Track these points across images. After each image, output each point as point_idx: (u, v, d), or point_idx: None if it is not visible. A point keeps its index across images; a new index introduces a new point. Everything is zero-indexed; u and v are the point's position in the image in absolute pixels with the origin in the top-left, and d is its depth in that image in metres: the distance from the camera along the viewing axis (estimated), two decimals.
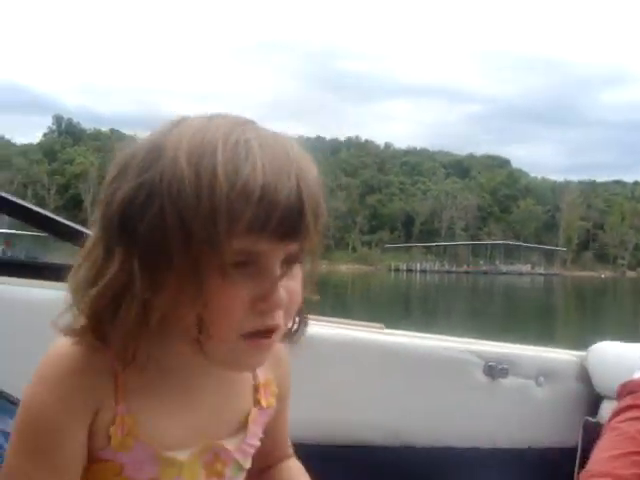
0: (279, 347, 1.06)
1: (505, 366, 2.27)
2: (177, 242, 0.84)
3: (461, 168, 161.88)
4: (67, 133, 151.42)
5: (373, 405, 2.16)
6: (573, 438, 2.30)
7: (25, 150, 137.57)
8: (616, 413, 1.83)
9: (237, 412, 1.05)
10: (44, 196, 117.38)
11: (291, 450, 1.24)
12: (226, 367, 0.97)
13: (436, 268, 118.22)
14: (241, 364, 0.96)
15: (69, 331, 0.92)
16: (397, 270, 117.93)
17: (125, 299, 0.86)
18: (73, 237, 1.83)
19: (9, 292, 1.95)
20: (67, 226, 2.06)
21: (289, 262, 0.91)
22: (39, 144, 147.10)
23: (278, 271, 0.88)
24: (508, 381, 2.29)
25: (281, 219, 0.84)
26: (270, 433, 1.12)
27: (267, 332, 0.91)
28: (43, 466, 0.92)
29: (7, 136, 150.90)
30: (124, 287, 0.87)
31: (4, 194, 2.09)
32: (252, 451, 1.07)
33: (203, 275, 0.85)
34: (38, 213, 2.12)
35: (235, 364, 0.95)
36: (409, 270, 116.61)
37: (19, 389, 1.49)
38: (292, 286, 0.92)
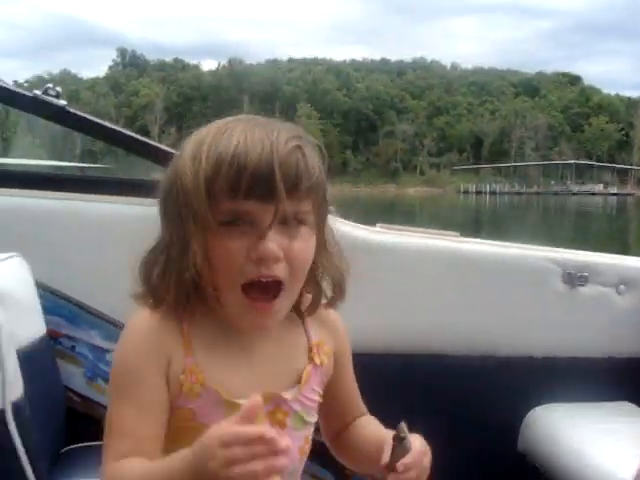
0: (335, 315, 1.27)
1: (584, 274, 2.23)
2: (185, 213, 1.07)
3: (531, 86, 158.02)
4: (131, 65, 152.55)
5: (451, 314, 2.18)
6: None
7: (92, 84, 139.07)
8: None
9: (293, 368, 1.19)
10: None
11: (364, 408, 1.34)
12: (241, 325, 1.12)
13: (506, 189, 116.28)
14: (250, 323, 1.11)
15: (139, 299, 1.14)
16: (466, 192, 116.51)
17: (168, 266, 1.10)
18: (158, 157, 1.96)
19: (91, 208, 2.00)
20: (152, 146, 2.10)
21: (283, 223, 1.06)
22: (105, 77, 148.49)
23: (267, 227, 1.04)
24: (587, 289, 2.25)
25: (251, 181, 1.02)
26: (339, 396, 1.28)
27: (266, 287, 1.07)
28: (132, 404, 1.07)
29: (73, 71, 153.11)
30: (165, 255, 1.10)
31: (76, 111, 2.09)
32: (312, 405, 1.20)
33: (204, 236, 1.06)
34: (125, 134, 2.12)
35: (246, 322, 1.10)
36: (478, 192, 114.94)
37: (103, 302, 1.89)
38: (295, 245, 1.08)
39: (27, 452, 1.17)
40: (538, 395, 2.23)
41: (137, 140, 2.10)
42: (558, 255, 2.26)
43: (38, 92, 1.96)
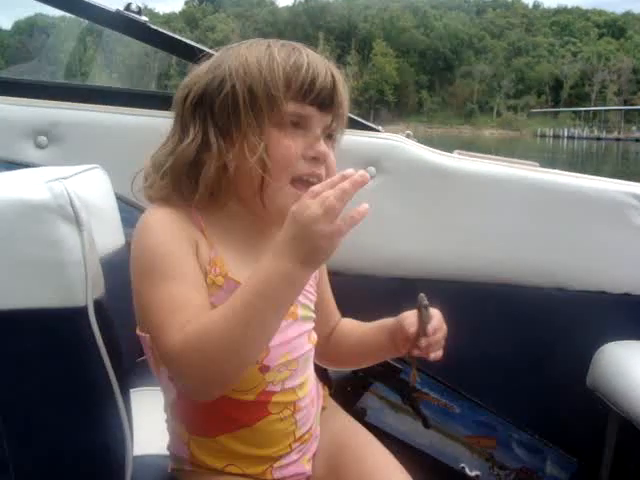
0: None
1: None
2: (245, 106, 1.13)
3: (616, 27, 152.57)
4: (207, 0, 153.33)
5: (526, 244, 2.14)
6: None
7: (168, 19, 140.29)
8: None
9: None
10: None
11: (339, 316, 1.46)
12: (278, 216, 1.10)
13: (584, 134, 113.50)
14: (283, 206, 1.11)
15: (156, 197, 1.19)
16: (543, 136, 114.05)
17: (203, 160, 1.15)
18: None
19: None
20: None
21: (325, 132, 1.18)
22: (181, 13, 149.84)
23: (320, 133, 1.16)
24: None
25: (320, 92, 1.15)
26: (320, 307, 1.35)
27: (310, 181, 1.15)
28: (180, 280, 1.09)
29: (150, 5, 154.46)
30: (200, 151, 1.15)
31: (158, 28, 2.11)
32: (312, 299, 1.30)
33: (266, 128, 1.13)
34: (192, 46, 2.09)
35: (286, 209, 1.06)
36: (556, 136, 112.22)
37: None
38: (331, 155, 1.19)
39: (109, 351, 1.21)
40: (610, 332, 2.18)
41: (178, 40, 2.11)
42: (638, 190, 2.19)
43: (120, 8, 1.98)
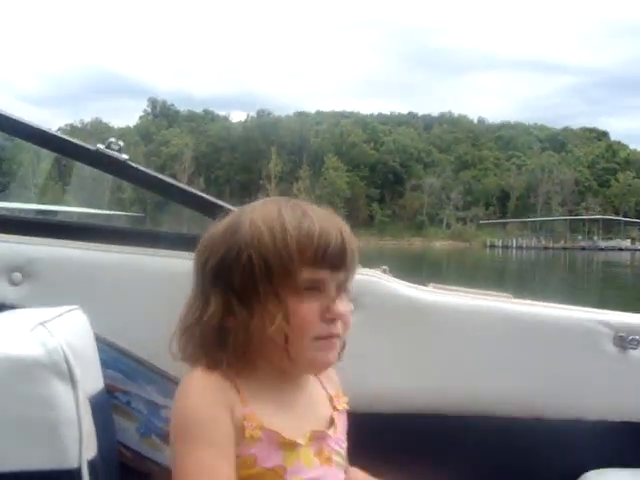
0: (333, 372, 1.44)
1: (636, 337, 2.19)
2: (263, 277, 1.20)
3: (557, 141, 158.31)
4: (162, 115, 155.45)
5: (501, 375, 2.16)
6: None
7: (122, 133, 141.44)
8: None
9: (325, 414, 1.35)
10: None
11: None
12: (306, 367, 1.29)
13: (533, 244, 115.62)
14: (317, 362, 1.27)
15: (190, 360, 1.27)
16: (492, 246, 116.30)
17: (229, 329, 1.22)
18: (204, 208, 2.04)
19: (150, 262, 2.03)
20: (199, 197, 2.12)
21: (339, 288, 1.26)
22: (135, 127, 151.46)
23: (334, 292, 1.25)
24: (639, 353, 2.20)
25: (333, 254, 1.22)
26: None
27: (331, 337, 1.26)
28: (210, 449, 1.16)
29: (105, 120, 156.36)
30: (224, 320, 1.22)
31: (138, 166, 2.11)
32: (344, 447, 1.37)
33: (282, 297, 1.20)
34: (171, 184, 2.13)
35: (312, 363, 1.27)
36: (505, 246, 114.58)
37: (160, 358, 1.81)
38: (346, 308, 1.28)
39: None
40: (589, 460, 2.17)
41: (196, 195, 2.13)
42: (609, 317, 2.23)
43: (101, 146, 2.00)
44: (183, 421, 1.21)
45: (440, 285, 2.22)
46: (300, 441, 1.26)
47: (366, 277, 2.09)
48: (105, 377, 1.80)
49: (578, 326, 2.21)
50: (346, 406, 1.41)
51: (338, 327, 1.26)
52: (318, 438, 1.30)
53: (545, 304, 2.27)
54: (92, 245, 2.05)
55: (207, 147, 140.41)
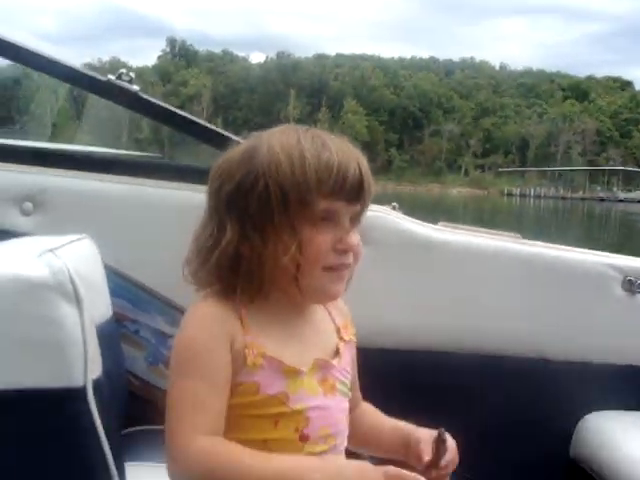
0: (343, 303, 1.44)
1: None
2: (279, 206, 1.19)
3: (580, 90, 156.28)
4: (181, 55, 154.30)
5: (508, 315, 2.17)
6: None
7: (140, 73, 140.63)
8: None
9: (331, 343, 1.35)
10: None
11: (360, 396, 1.51)
12: (314, 297, 1.30)
13: (550, 194, 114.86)
14: (326, 292, 1.28)
15: (201, 284, 1.26)
16: (510, 195, 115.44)
17: (244, 256, 1.21)
18: (215, 141, 2.03)
19: (160, 194, 2.05)
20: (210, 130, 2.14)
21: (353, 220, 1.26)
22: (154, 67, 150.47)
23: (348, 224, 1.24)
24: None
25: (350, 186, 1.21)
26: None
27: (342, 269, 1.26)
28: (204, 381, 1.17)
29: (123, 59, 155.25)
30: (239, 247, 1.21)
31: (149, 97, 2.13)
32: (348, 378, 1.37)
33: (298, 226, 1.20)
34: (180, 115, 2.15)
35: (322, 293, 1.28)
36: (522, 195, 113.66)
37: (168, 288, 1.92)
38: (358, 239, 1.27)
39: (106, 431, 1.20)
40: (593, 401, 2.21)
41: (206, 127, 2.13)
42: (618, 261, 2.24)
43: (112, 77, 2.00)
44: (180, 351, 1.21)
45: (449, 223, 2.23)
46: (303, 369, 1.26)
47: (375, 213, 2.10)
48: (114, 306, 1.83)
49: (587, 269, 2.21)
50: (353, 337, 1.41)
51: (349, 258, 1.26)
52: (322, 367, 1.30)
53: (555, 246, 2.26)
54: (104, 176, 2.06)
55: (225, 88, 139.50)
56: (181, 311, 1.94)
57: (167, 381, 1.23)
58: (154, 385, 1.97)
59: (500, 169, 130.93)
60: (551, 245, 2.27)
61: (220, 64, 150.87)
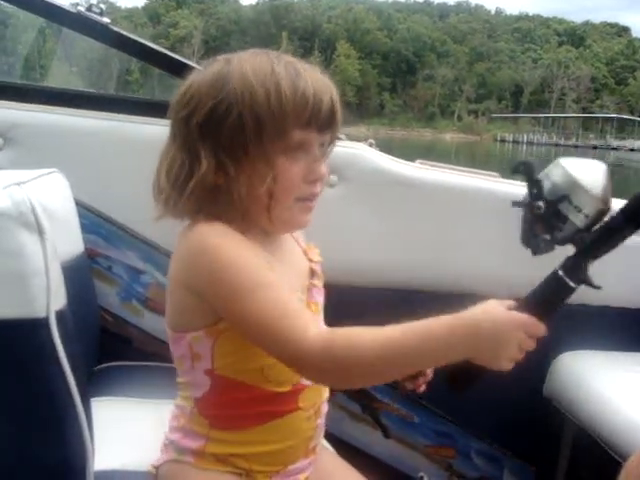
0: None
1: None
2: (253, 135, 1.16)
3: (576, 36, 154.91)
4: None
5: (484, 253, 2.16)
6: None
7: (130, 14, 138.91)
8: None
9: (304, 267, 1.36)
10: None
11: None
12: (285, 227, 1.30)
13: (543, 141, 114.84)
14: (296, 222, 1.28)
15: (180, 217, 1.23)
16: (503, 141, 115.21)
17: (221, 186, 1.19)
18: (179, 71, 1.91)
19: (133, 129, 2.01)
20: (175, 60, 2.11)
21: (322, 149, 1.24)
22: (143, 8, 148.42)
23: (318, 153, 1.23)
24: (627, 240, 2.25)
25: (324, 117, 1.20)
26: None
27: (312, 197, 1.25)
28: (274, 285, 1.15)
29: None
30: (216, 177, 1.18)
31: (119, 29, 2.11)
32: (322, 299, 1.38)
33: (272, 156, 1.18)
34: (150, 47, 2.13)
35: (291, 223, 1.27)
36: (515, 142, 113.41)
37: (141, 224, 1.90)
38: (325, 166, 1.25)
39: (70, 363, 1.20)
40: (567, 341, 2.22)
41: (178, 61, 2.09)
42: None
43: (82, 9, 1.95)
44: (234, 271, 1.16)
45: (427, 162, 2.20)
46: (302, 296, 1.30)
47: (352, 150, 2.07)
48: (86, 241, 1.83)
49: None
50: (319, 257, 1.41)
51: (319, 187, 1.25)
52: (309, 290, 1.33)
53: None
54: (75, 111, 2.02)
55: (217, 30, 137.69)
56: (154, 247, 1.96)
57: (228, 306, 1.18)
58: (127, 321, 1.97)
59: (493, 115, 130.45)
60: (523, 184, 2.23)
61: (211, 5, 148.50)
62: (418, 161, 2.19)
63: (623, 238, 1.20)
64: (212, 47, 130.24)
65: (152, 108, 2.02)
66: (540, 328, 1.11)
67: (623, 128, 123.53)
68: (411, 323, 1.11)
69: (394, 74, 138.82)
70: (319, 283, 1.36)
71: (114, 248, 1.94)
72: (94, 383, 1.71)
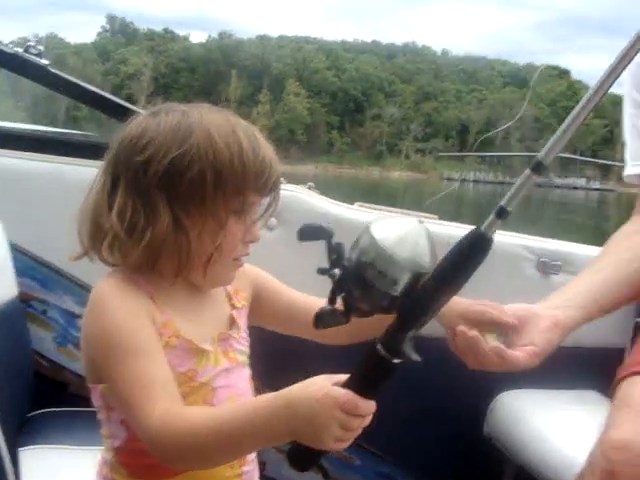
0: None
1: (557, 263, 2.23)
2: (212, 192, 1.18)
3: (519, 77, 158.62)
4: (121, 33, 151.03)
5: None
6: (623, 340, 2.27)
7: (79, 49, 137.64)
8: None
9: (225, 314, 1.37)
10: None
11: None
12: (215, 284, 1.34)
13: (489, 179, 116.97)
14: (226, 280, 1.33)
15: (126, 265, 1.24)
16: (450, 179, 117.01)
17: (171, 238, 1.20)
18: (120, 114, 2.00)
19: (70, 172, 1.97)
20: (116, 103, 2.13)
21: (261, 212, 1.30)
22: (93, 44, 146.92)
23: (259, 217, 1.29)
24: (560, 278, 2.22)
25: (273, 182, 1.27)
26: (286, 305, 1.49)
27: (243, 257, 1.31)
28: (143, 357, 1.15)
29: (60, 34, 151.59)
30: (170, 231, 1.19)
31: (58, 72, 2.09)
32: (246, 344, 1.40)
33: (226, 216, 1.21)
34: (90, 90, 2.12)
35: (222, 280, 1.33)
36: (462, 179, 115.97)
37: (77, 268, 1.60)
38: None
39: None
40: (506, 381, 2.25)
41: (119, 104, 2.12)
42: (533, 243, 2.28)
43: (20, 50, 1.94)
44: (111, 334, 1.18)
45: (366, 204, 2.22)
46: (209, 347, 1.30)
47: (291, 193, 2.10)
48: (20, 285, 1.80)
49: (502, 250, 2.23)
50: (245, 303, 1.42)
51: (250, 249, 1.31)
52: (223, 339, 1.34)
53: (470, 227, 2.21)
54: (9, 152, 2.00)
55: (166, 67, 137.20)
56: (90, 291, 1.92)
57: (85, 364, 1.24)
58: (63, 366, 1.94)
59: (440, 153, 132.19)
60: (466, 226, 2.26)
61: (161, 43, 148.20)
62: (357, 204, 2.21)
63: (440, 303, 1.10)
64: (161, 84, 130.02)
65: (90, 150, 1.99)
66: (361, 407, 1.04)
67: (566, 167, 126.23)
68: (245, 402, 1.19)
69: (342, 113, 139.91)
70: (237, 333, 1.37)
71: (50, 292, 1.92)
72: (26, 431, 1.67)
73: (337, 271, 1.11)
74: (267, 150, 1.26)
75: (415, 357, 1.07)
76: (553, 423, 2.08)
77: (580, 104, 1.10)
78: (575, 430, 2.03)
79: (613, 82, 1.09)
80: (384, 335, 1.09)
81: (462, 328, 1.34)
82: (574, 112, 1.10)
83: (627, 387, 1.58)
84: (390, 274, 1.06)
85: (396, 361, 1.07)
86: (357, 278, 1.08)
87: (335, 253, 1.14)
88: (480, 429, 2.24)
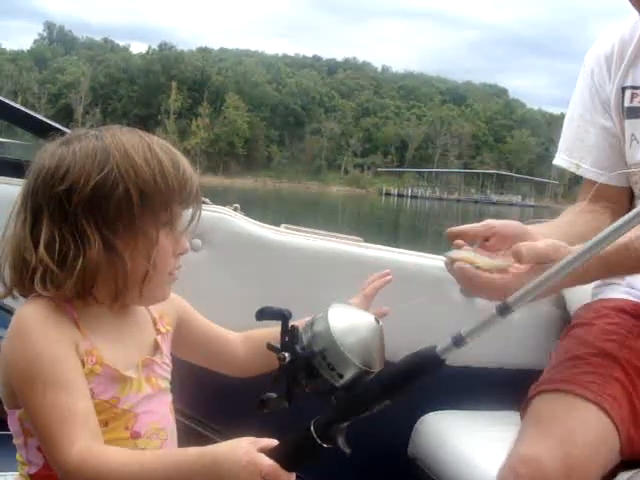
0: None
1: None
2: (139, 210, 1.19)
3: (458, 95, 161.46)
4: (59, 41, 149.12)
5: None
6: (543, 362, 2.29)
7: (15, 57, 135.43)
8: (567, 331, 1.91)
9: (148, 339, 1.36)
10: (34, 104, 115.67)
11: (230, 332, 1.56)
12: (152, 301, 1.33)
13: (427, 194, 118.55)
14: (162, 296, 1.32)
15: (54, 293, 1.20)
16: (388, 194, 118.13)
17: (104, 262, 1.19)
18: (40, 130, 1.96)
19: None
20: (38, 120, 2.10)
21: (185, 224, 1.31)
22: (29, 51, 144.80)
23: (185, 228, 1.30)
24: (483, 300, 2.19)
25: (195, 193, 1.28)
26: (206, 336, 1.51)
27: (176, 270, 1.31)
28: (63, 388, 1.14)
29: None
30: (102, 255, 1.19)
31: None
32: (169, 370, 1.38)
33: (155, 232, 1.22)
34: (10, 106, 2.11)
35: (159, 297, 1.31)
36: (400, 195, 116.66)
37: None
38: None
39: None
40: (430, 402, 2.27)
41: (31, 115, 2.08)
42: None
43: None
44: (30, 363, 1.16)
45: (292, 226, 2.24)
46: (133, 374, 1.28)
47: (216, 214, 2.09)
48: None
49: (426, 273, 2.25)
50: (170, 328, 1.42)
51: (181, 261, 1.31)
52: (147, 365, 1.33)
53: (395, 250, 2.30)
54: None
55: (105, 78, 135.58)
56: (10, 312, 1.88)
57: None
58: None
59: (379, 169, 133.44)
60: (391, 249, 2.30)
61: (100, 52, 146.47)
62: (283, 225, 2.22)
63: (380, 405, 1.13)
64: (100, 94, 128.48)
65: (6, 167, 1.97)
66: (283, 479, 1.07)
67: (502, 184, 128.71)
68: (172, 452, 1.20)
69: (282, 127, 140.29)
70: (161, 358, 1.36)
71: None
72: None
73: (287, 355, 1.11)
74: (184, 162, 1.27)
75: (346, 450, 1.10)
76: (475, 444, 2.10)
77: (561, 263, 1.12)
78: (496, 450, 2.03)
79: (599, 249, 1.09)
80: (319, 420, 1.10)
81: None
82: (553, 269, 1.11)
83: (536, 404, 1.65)
84: (338, 369, 1.09)
85: (325, 446, 1.09)
86: (306, 365, 1.10)
87: (288, 336, 1.13)
88: (405, 450, 2.25)
